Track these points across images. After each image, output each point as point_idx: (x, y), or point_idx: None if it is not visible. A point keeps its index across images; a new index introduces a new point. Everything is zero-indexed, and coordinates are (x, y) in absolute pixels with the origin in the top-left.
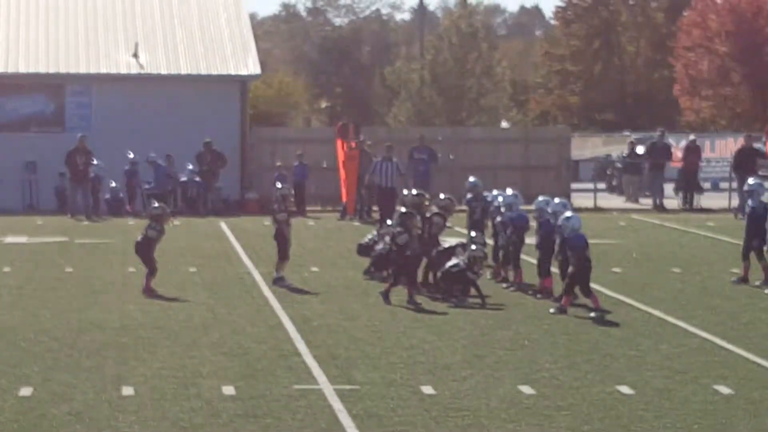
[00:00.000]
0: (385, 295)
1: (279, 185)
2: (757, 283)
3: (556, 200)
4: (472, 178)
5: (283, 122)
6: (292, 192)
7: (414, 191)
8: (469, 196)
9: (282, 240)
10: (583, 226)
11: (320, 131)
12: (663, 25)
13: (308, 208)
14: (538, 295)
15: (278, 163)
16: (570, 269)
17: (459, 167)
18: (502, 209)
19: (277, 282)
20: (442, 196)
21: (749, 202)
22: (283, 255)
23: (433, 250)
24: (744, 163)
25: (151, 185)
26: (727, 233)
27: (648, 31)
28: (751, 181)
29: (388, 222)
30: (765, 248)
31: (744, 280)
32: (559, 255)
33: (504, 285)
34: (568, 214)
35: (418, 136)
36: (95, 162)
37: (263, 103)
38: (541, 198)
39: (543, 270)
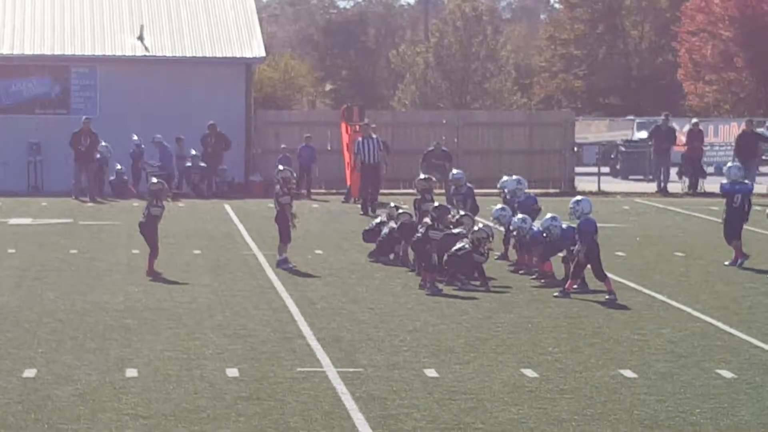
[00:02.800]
0: (429, 285)
1: (281, 167)
2: (726, 262)
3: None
4: (455, 171)
5: (288, 105)
6: (294, 174)
7: (422, 176)
8: (453, 188)
9: (283, 222)
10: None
11: (325, 114)
12: (667, 9)
13: (314, 191)
14: (542, 281)
15: (283, 146)
16: (574, 253)
17: (463, 151)
18: (507, 195)
19: (280, 264)
20: (462, 212)
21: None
22: (284, 237)
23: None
24: (746, 147)
25: (156, 166)
26: None
27: (652, 15)
28: (729, 164)
29: (392, 204)
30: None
31: (744, 256)
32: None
33: (511, 268)
34: (578, 197)
35: (434, 144)
36: (103, 143)
37: (268, 85)
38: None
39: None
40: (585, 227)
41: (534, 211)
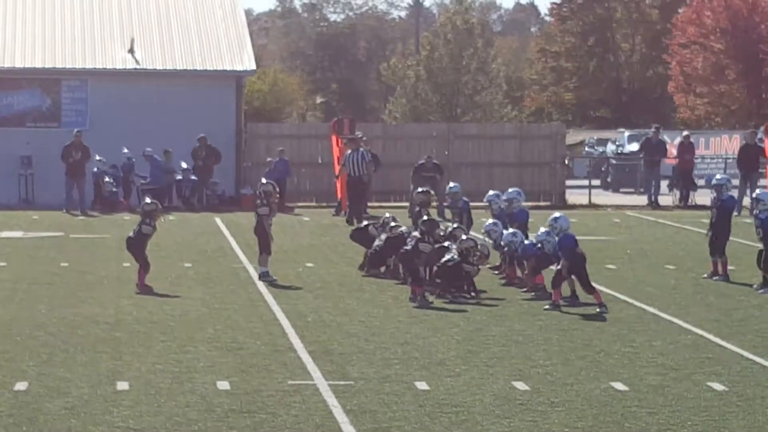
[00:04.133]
0: (419, 298)
1: (264, 180)
2: (705, 275)
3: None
4: (452, 184)
5: (278, 118)
6: (277, 188)
7: (420, 189)
8: (449, 201)
9: (262, 234)
10: (577, 222)
11: (315, 127)
12: (658, 22)
13: (304, 204)
14: (533, 294)
15: (269, 159)
16: (558, 266)
17: (453, 164)
18: (495, 211)
19: (262, 277)
20: (454, 225)
21: (717, 196)
22: (264, 249)
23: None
24: (748, 159)
25: (147, 180)
26: None
27: (643, 28)
28: (718, 176)
29: (386, 214)
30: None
31: (716, 273)
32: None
33: (503, 281)
34: (557, 214)
35: (425, 157)
36: (98, 158)
37: (258, 98)
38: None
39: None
40: (565, 243)
41: (524, 225)
